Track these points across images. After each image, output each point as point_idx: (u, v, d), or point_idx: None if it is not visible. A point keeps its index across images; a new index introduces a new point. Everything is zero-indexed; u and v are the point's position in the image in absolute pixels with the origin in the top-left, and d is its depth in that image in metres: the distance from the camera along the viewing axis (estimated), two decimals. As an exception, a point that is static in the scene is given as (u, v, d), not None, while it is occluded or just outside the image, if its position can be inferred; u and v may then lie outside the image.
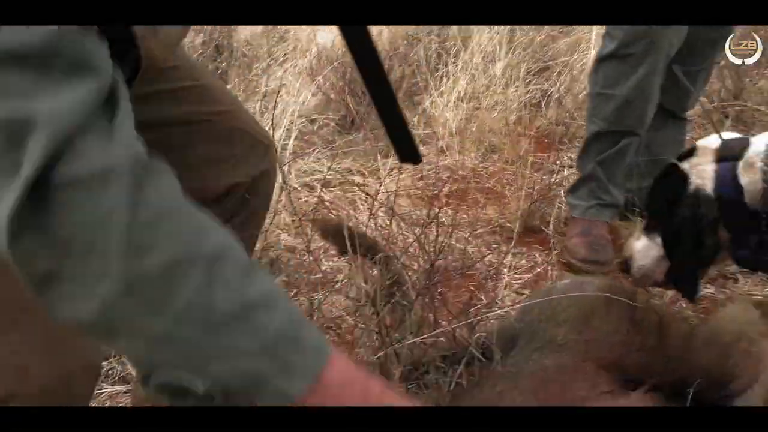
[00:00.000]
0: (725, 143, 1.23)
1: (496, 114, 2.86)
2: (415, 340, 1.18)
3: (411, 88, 3.21)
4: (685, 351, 1.37)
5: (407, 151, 1.08)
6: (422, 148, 2.79)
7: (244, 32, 3.83)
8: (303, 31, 4.04)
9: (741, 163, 1.18)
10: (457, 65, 3.14)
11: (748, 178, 1.17)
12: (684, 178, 1.26)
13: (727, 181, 1.19)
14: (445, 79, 3.08)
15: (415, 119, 2.92)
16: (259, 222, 1.27)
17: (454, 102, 2.91)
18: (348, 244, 1.46)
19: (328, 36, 3.56)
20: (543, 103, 3.15)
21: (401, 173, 2.46)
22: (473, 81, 3.05)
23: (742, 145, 1.21)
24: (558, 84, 3.22)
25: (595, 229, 1.96)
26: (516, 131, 2.74)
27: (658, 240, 1.34)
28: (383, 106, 1.03)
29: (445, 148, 2.75)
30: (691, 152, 1.29)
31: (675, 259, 1.29)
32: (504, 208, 2.23)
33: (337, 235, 1.68)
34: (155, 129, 0.94)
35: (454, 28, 3.58)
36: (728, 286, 1.79)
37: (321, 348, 0.66)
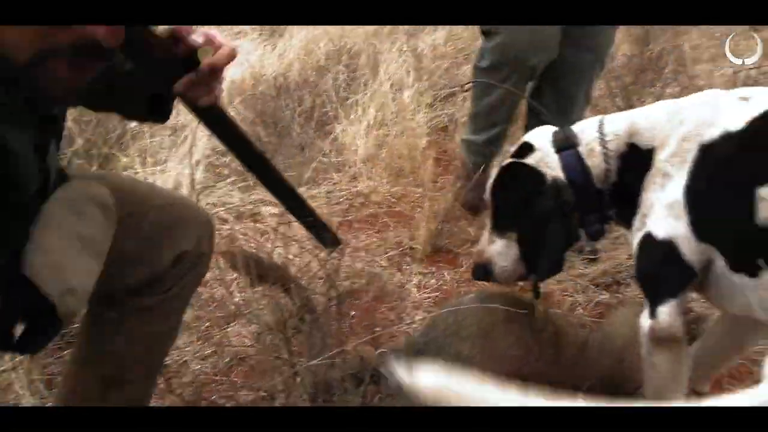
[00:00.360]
0: (558, 134, 1.33)
1: (405, 139, 2.94)
2: (313, 362, 1.20)
3: (322, 118, 3.25)
4: (581, 358, 1.45)
5: (327, 237, 1.35)
6: (335, 176, 2.83)
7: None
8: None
9: (582, 149, 1.29)
10: (366, 94, 3.21)
11: (591, 162, 1.28)
12: (536, 172, 1.32)
13: (574, 166, 1.28)
14: (355, 108, 3.14)
15: (327, 148, 2.97)
16: (203, 275, 1.33)
17: (365, 130, 2.97)
18: (252, 274, 1.48)
19: (237, 69, 3.57)
20: (450, 128, 3.26)
21: (313, 202, 2.49)
22: (382, 109, 3.12)
23: (572, 134, 1.31)
24: (464, 108, 3.34)
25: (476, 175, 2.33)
26: (425, 155, 2.81)
27: (515, 237, 1.37)
28: (293, 209, 1.31)
29: (357, 175, 2.80)
30: (526, 148, 1.36)
31: (547, 248, 1.32)
32: (414, 230, 2.29)
33: (248, 266, 1.70)
34: None
35: (363, 57, 3.67)
36: (621, 290, 1.90)
37: None
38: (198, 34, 0.96)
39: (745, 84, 3.16)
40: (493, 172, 1.43)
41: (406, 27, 4.31)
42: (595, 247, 2.13)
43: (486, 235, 1.43)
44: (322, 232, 1.37)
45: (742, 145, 1.06)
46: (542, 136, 1.36)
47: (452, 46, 4.02)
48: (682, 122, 1.15)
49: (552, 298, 1.91)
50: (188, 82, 0.95)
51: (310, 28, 4.70)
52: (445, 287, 1.99)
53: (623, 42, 4.18)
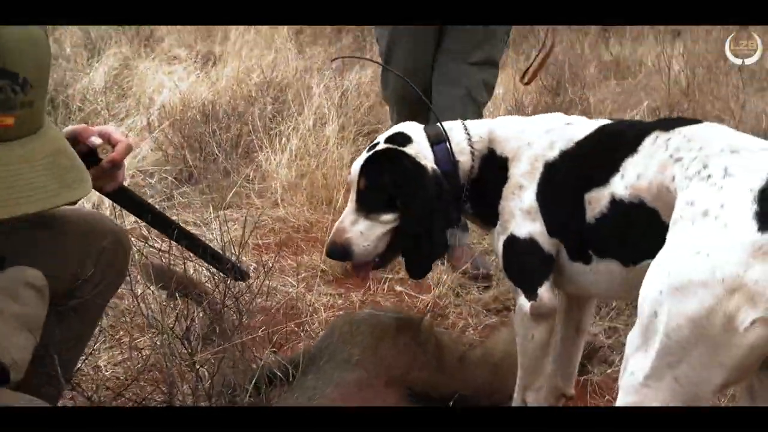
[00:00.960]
0: (430, 129, 1.50)
1: (326, 170, 3.10)
2: (205, 354, 1.33)
3: (248, 146, 3.39)
4: (460, 368, 1.63)
5: (234, 273, 1.58)
6: (257, 201, 2.97)
7: (77, 87, 3.85)
8: (147, 88, 4.13)
9: (453, 146, 1.46)
10: (291, 126, 3.37)
11: (461, 158, 1.46)
12: (416, 161, 1.42)
13: (446, 160, 1.45)
14: (279, 138, 3.29)
15: (251, 174, 3.11)
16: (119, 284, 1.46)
17: (288, 159, 3.12)
18: (166, 286, 1.61)
19: (167, 93, 3.68)
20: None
21: (234, 224, 2.62)
22: (306, 141, 3.28)
23: (441, 131, 1.48)
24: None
25: None
26: (344, 186, 2.98)
27: (384, 217, 1.43)
28: (206, 257, 1.54)
29: (279, 201, 2.94)
30: (403, 138, 1.47)
31: (433, 232, 1.42)
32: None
33: (162, 279, 1.81)
34: None
35: (291, 92, 3.84)
36: (508, 315, 2.10)
37: None
38: (95, 135, 1.19)
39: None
40: (363, 155, 1.48)
41: (335, 65, 4.51)
42: (489, 273, 2.34)
43: (348, 215, 1.46)
44: (235, 272, 1.61)
45: (572, 161, 1.33)
46: (416, 130, 1.50)
47: (376, 83, 4.24)
48: (531, 144, 1.39)
49: (447, 320, 2.10)
50: (93, 176, 1.11)
51: (244, 58, 4.86)
52: (351, 307, 2.15)
53: (535, 91, 4.53)
